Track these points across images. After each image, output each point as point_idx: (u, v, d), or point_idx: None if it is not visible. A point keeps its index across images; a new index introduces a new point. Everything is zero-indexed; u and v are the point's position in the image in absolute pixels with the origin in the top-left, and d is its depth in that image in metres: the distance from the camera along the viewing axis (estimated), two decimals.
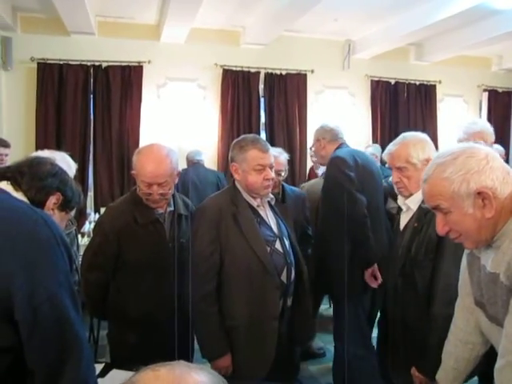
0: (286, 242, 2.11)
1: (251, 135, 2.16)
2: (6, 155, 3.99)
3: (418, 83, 6.94)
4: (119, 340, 2.10)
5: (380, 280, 2.64)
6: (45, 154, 2.11)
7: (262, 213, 2.10)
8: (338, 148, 2.87)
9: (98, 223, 2.19)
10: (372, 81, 6.78)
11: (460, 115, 7.05)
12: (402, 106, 6.82)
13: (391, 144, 2.12)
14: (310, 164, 6.35)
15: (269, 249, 2.03)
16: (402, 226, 2.05)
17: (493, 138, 2.50)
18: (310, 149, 3.27)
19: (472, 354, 1.55)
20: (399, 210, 2.12)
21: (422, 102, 6.97)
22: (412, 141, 2.05)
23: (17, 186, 1.25)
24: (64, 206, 1.36)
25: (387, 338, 2.05)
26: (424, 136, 2.08)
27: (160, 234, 2.08)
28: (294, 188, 3.19)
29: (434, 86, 7.01)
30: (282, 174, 2.95)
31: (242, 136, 2.17)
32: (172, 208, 2.13)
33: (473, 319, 1.53)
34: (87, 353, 1.19)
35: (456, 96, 7.17)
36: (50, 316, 1.08)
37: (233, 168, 2.09)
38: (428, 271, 1.84)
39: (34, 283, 1.05)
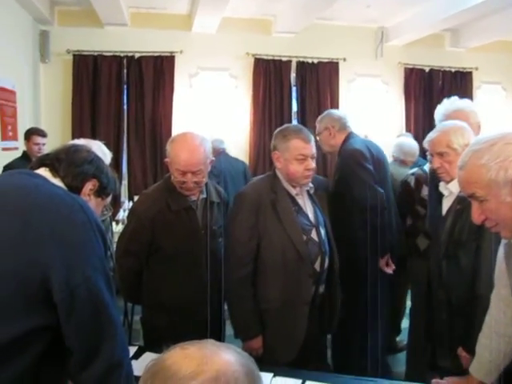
0: (322, 231, 2.14)
1: (294, 124, 2.21)
2: (44, 144, 4.12)
3: (453, 70, 6.76)
4: (152, 324, 2.15)
5: (393, 267, 2.76)
6: (81, 142, 2.17)
7: (300, 201, 2.12)
8: (347, 137, 2.84)
9: (132, 210, 2.24)
10: (405, 68, 6.65)
11: (498, 103, 6.85)
12: (437, 93, 6.66)
13: (432, 132, 2.17)
14: None
15: (305, 237, 2.06)
16: (444, 211, 2.08)
17: (476, 117, 2.41)
18: (317, 136, 2.84)
19: (508, 347, 1.52)
20: (440, 196, 2.14)
21: (458, 89, 6.77)
22: (452, 128, 2.10)
23: (54, 172, 1.29)
24: (100, 193, 1.39)
25: (431, 323, 2.07)
26: (463, 123, 2.12)
27: (193, 220, 2.11)
28: (318, 177, 3.18)
29: (471, 73, 6.81)
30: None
31: (286, 125, 2.21)
32: (205, 195, 2.16)
33: (509, 311, 1.50)
34: (121, 335, 1.23)
35: (494, 83, 6.94)
36: (86, 298, 1.12)
37: (274, 156, 2.12)
38: (471, 251, 1.84)
39: (70, 267, 1.10)
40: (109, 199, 1.48)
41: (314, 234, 2.10)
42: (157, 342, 1.97)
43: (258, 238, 2.04)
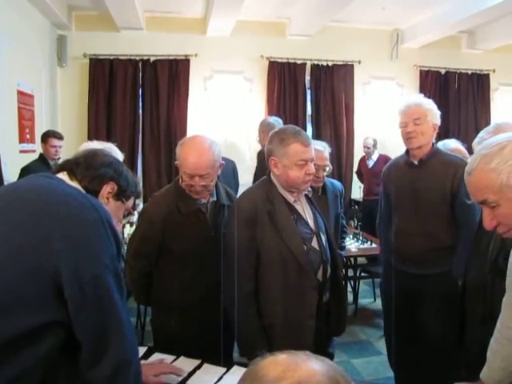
0: (323, 238, 2.04)
1: (291, 126, 2.03)
2: (60, 147, 4.17)
3: (469, 72, 6.70)
4: (161, 326, 2.15)
5: None
6: (94, 144, 2.19)
7: (298, 208, 2.01)
8: None
9: (142, 212, 2.23)
10: (421, 71, 6.61)
11: None
12: (453, 96, 6.61)
13: (483, 132, 2.06)
14: (357, 156, 6.28)
15: (305, 247, 1.95)
16: None
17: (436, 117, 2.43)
18: None
19: None
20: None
21: (474, 91, 6.72)
22: (507, 128, 1.95)
23: (72, 175, 1.31)
24: (119, 195, 1.38)
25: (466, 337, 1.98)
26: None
27: (202, 223, 2.10)
28: (333, 181, 3.15)
29: (488, 75, 6.74)
30: (327, 169, 2.86)
31: (282, 127, 2.05)
32: (215, 198, 2.15)
33: None
34: (130, 334, 1.23)
35: None
36: (94, 296, 1.13)
37: (272, 162, 1.95)
38: None
39: (79, 264, 1.11)
40: (130, 202, 1.46)
41: (314, 243, 1.98)
42: (166, 343, 2.01)
43: (257, 252, 1.93)
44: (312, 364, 0.74)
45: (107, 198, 1.36)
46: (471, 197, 1.31)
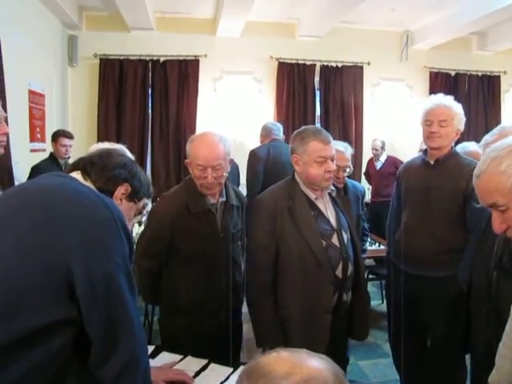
0: (345, 236, 2.08)
1: (312, 126, 2.12)
2: (70, 146, 4.20)
3: (480, 74, 6.66)
4: (169, 325, 2.16)
5: None
6: (104, 145, 2.20)
7: (320, 205, 2.07)
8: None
9: (151, 212, 2.25)
10: (431, 72, 6.58)
11: None
12: (463, 98, 6.54)
13: (488, 135, 2.08)
14: (366, 157, 6.27)
15: (324, 243, 2.00)
16: None
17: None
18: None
19: None
20: None
21: (485, 93, 6.67)
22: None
23: (86, 175, 1.32)
24: (132, 196, 1.39)
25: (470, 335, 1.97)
26: None
27: (212, 223, 2.11)
28: (355, 182, 3.16)
29: (499, 77, 6.70)
30: (347, 170, 2.85)
31: (304, 127, 2.12)
32: (224, 198, 2.16)
33: None
34: (140, 333, 1.24)
35: None
36: (106, 294, 1.13)
37: (293, 160, 2.07)
38: None
39: (91, 262, 1.11)
40: (142, 203, 1.47)
41: (334, 239, 2.04)
42: (173, 342, 2.02)
43: (277, 245, 2.01)
44: (316, 361, 0.77)
45: (120, 199, 1.37)
46: (480, 200, 1.30)
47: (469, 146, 2.86)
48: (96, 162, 1.35)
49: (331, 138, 2.04)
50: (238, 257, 2.25)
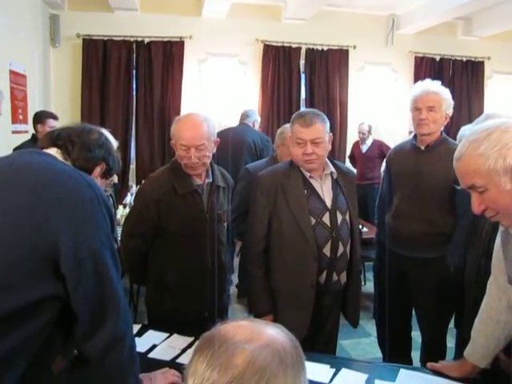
0: (340, 217, 2.13)
1: (308, 109, 2.26)
2: (55, 127, 4.15)
3: (464, 60, 6.70)
4: (156, 304, 2.19)
5: None
6: None
7: (315, 184, 2.14)
8: None
9: (138, 192, 2.28)
10: (416, 57, 6.61)
11: (510, 93, 6.78)
12: (447, 83, 6.58)
13: (474, 122, 2.13)
14: (350, 140, 6.31)
15: (314, 220, 2.08)
16: None
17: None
18: None
19: (503, 333, 1.54)
20: None
21: (469, 79, 6.73)
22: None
23: (67, 155, 1.33)
24: (106, 174, 1.44)
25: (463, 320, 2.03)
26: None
27: (198, 204, 2.13)
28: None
29: (482, 63, 6.75)
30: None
31: (302, 109, 2.28)
32: (210, 180, 2.19)
33: (505, 298, 1.52)
34: (125, 309, 1.27)
35: (506, 73, 6.85)
36: (92, 270, 1.16)
37: (290, 139, 2.19)
38: None
39: (78, 240, 1.13)
40: (111, 178, 1.52)
41: (326, 218, 2.10)
42: (160, 320, 2.05)
43: (270, 219, 2.13)
44: (273, 329, 0.82)
45: (96, 177, 1.40)
46: (460, 182, 1.35)
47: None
48: (76, 141, 1.36)
49: (315, 123, 2.07)
50: (224, 237, 2.29)
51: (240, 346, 0.75)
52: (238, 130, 4.71)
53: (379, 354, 2.95)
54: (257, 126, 5.03)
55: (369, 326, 3.72)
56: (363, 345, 3.53)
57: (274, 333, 0.80)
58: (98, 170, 1.40)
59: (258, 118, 5.15)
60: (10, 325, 1.08)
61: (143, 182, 2.37)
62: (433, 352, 2.50)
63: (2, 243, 1.09)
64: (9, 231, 1.10)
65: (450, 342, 2.61)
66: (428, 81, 2.52)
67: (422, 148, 2.49)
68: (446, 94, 2.46)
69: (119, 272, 1.26)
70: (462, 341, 1.99)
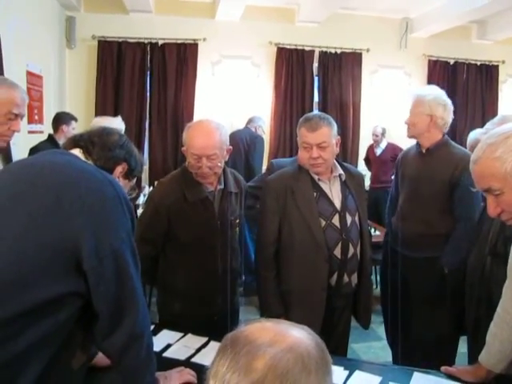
0: (349, 218, 2.13)
1: (315, 113, 2.27)
2: (74, 129, 4.20)
3: (478, 63, 6.65)
4: (166, 308, 2.19)
5: None
6: (104, 119, 2.22)
7: (324, 186, 2.15)
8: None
9: (149, 198, 2.24)
10: (430, 60, 6.58)
11: None
12: (461, 87, 6.58)
13: (489, 123, 2.14)
14: (362, 143, 6.30)
15: (324, 223, 2.09)
16: None
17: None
18: None
19: None
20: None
21: (483, 83, 6.69)
22: None
23: (88, 154, 1.36)
24: (128, 175, 1.47)
25: (464, 320, 2.04)
26: None
27: (209, 211, 2.10)
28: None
29: (497, 67, 6.70)
30: None
31: (310, 113, 2.29)
32: (222, 186, 2.15)
33: None
34: (143, 307, 1.29)
35: None
36: (113, 269, 1.18)
37: (298, 143, 2.20)
38: None
39: (99, 238, 1.16)
40: (134, 180, 1.54)
41: (335, 220, 2.10)
42: (171, 324, 2.05)
43: (280, 223, 2.13)
44: (299, 332, 0.79)
45: (118, 178, 1.42)
46: (476, 185, 1.35)
47: (475, 134, 2.90)
48: (96, 141, 1.40)
49: (321, 127, 2.06)
50: (236, 243, 2.27)
51: (262, 348, 0.73)
52: (238, 132, 5.18)
53: (391, 358, 2.94)
54: (260, 131, 5.38)
55: (380, 329, 3.69)
56: (374, 348, 3.53)
57: (299, 335, 0.78)
58: (119, 170, 1.42)
59: (263, 124, 5.52)
60: (31, 321, 1.11)
61: (155, 184, 2.35)
62: (430, 352, 2.50)
63: (26, 241, 1.12)
64: (33, 230, 1.13)
65: (463, 347, 2.59)
66: (417, 87, 2.57)
67: (424, 152, 2.54)
68: (428, 95, 2.48)
69: (139, 270, 1.28)
70: (472, 344, 2.01)
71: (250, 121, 5.42)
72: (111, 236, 1.19)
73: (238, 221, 2.26)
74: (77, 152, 1.35)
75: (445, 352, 2.51)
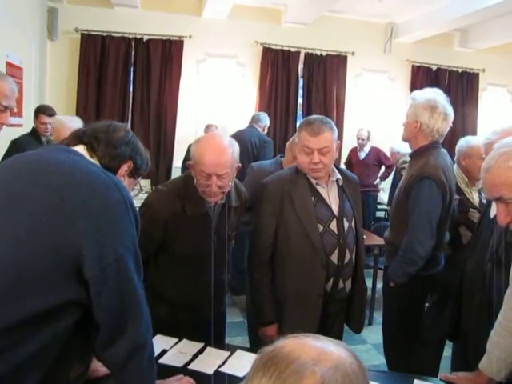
0: (346, 224, 2.10)
1: (315, 116, 2.12)
2: (50, 124, 4.05)
3: (460, 71, 6.78)
4: (154, 315, 2.10)
5: None
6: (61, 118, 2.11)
7: (321, 191, 2.10)
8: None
9: (146, 204, 2.05)
10: (413, 66, 6.66)
11: (503, 106, 6.88)
12: (443, 93, 6.66)
13: (491, 134, 2.12)
14: (345, 146, 6.32)
15: (321, 228, 2.04)
16: (492, 213, 1.93)
17: None
18: None
19: None
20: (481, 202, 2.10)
21: (464, 90, 6.81)
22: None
23: (92, 152, 1.28)
24: (133, 173, 1.39)
25: (460, 325, 2.04)
26: None
27: (207, 227, 1.99)
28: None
29: (477, 75, 6.84)
30: None
31: (311, 116, 2.18)
32: (223, 200, 2.01)
33: None
34: (146, 316, 1.23)
35: (500, 86, 6.98)
36: (116, 277, 1.12)
37: (297, 146, 2.13)
38: None
39: (102, 245, 1.09)
40: (139, 179, 1.47)
41: (333, 225, 2.06)
42: (159, 331, 1.96)
43: (276, 227, 2.07)
44: (339, 348, 0.76)
45: (123, 176, 1.35)
46: (487, 193, 1.35)
47: (472, 140, 2.92)
48: (101, 137, 1.31)
49: (323, 131, 2.00)
50: (229, 254, 2.18)
51: (309, 367, 0.70)
52: (243, 132, 4.76)
53: (376, 362, 2.96)
54: (266, 131, 5.09)
55: (365, 333, 3.71)
56: (360, 352, 3.52)
57: (340, 352, 0.75)
58: (124, 169, 1.34)
59: (269, 123, 5.15)
60: (30, 329, 1.04)
61: (152, 191, 2.18)
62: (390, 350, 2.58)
63: (26, 243, 1.05)
64: (33, 230, 1.06)
65: (446, 351, 2.62)
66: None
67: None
68: (416, 100, 2.40)
69: (141, 277, 1.22)
70: (463, 351, 2.01)
71: (258, 119, 4.91)
72: (115, 243, 1.12)
73: (234, 233, 2.16)
74: (81, 149, 1.27)
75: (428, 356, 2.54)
